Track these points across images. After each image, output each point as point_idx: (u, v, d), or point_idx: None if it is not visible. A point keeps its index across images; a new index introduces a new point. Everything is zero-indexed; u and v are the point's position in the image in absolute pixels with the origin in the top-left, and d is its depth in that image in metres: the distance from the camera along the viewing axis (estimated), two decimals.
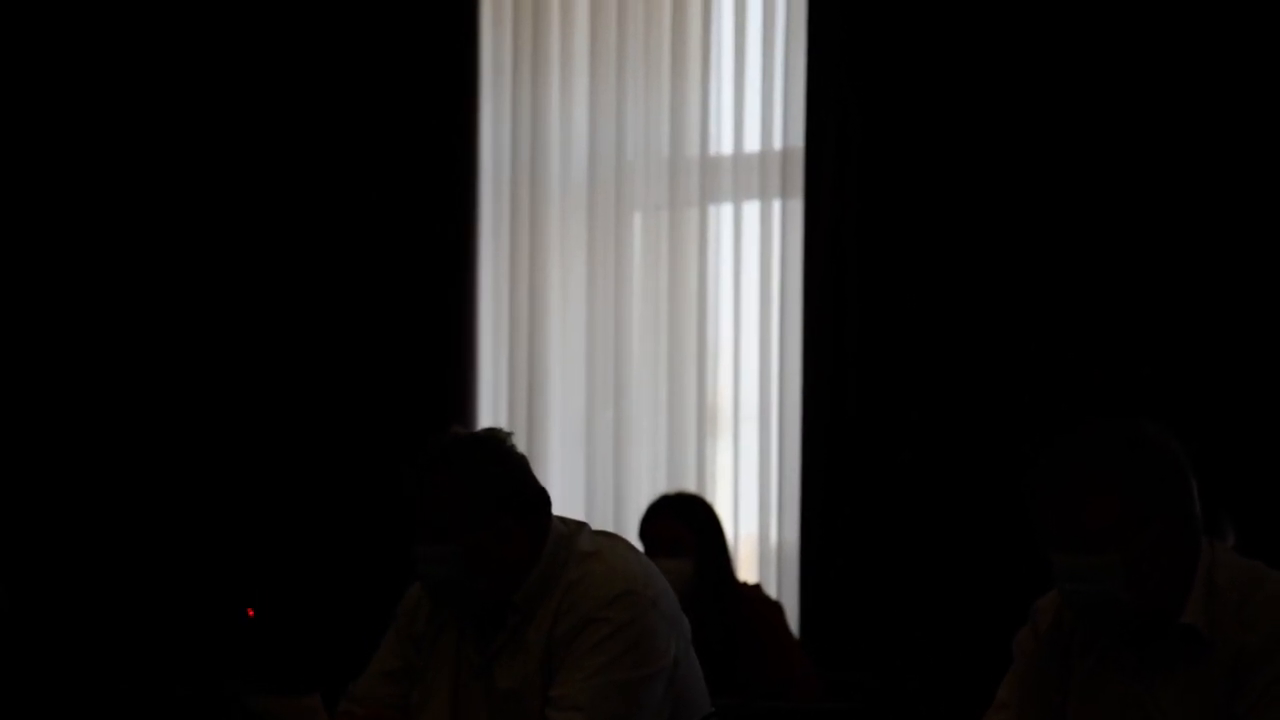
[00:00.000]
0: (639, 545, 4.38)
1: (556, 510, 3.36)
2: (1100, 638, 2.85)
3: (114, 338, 6.65)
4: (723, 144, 6.13)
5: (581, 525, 3.35)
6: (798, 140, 5.94)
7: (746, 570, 5.80)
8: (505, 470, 3.28)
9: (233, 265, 6.65)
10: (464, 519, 3.20)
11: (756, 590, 5.11)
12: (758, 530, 5.99)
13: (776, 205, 6.03)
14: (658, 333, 6.20)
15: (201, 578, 6.42)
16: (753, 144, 6.07)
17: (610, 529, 3.58)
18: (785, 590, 5.88)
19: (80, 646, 6.08)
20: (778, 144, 6.02)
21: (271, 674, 3.13)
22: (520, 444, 6.30)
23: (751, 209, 6.08)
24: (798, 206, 5.94)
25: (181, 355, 6.66)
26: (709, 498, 5.66)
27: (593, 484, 6.24)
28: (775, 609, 5.09)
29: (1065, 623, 2.89)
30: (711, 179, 6.14)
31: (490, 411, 6.43)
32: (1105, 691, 2.84)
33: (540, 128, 6.37)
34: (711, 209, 6.15)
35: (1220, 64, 5.40)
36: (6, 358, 6.64)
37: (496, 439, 3.30)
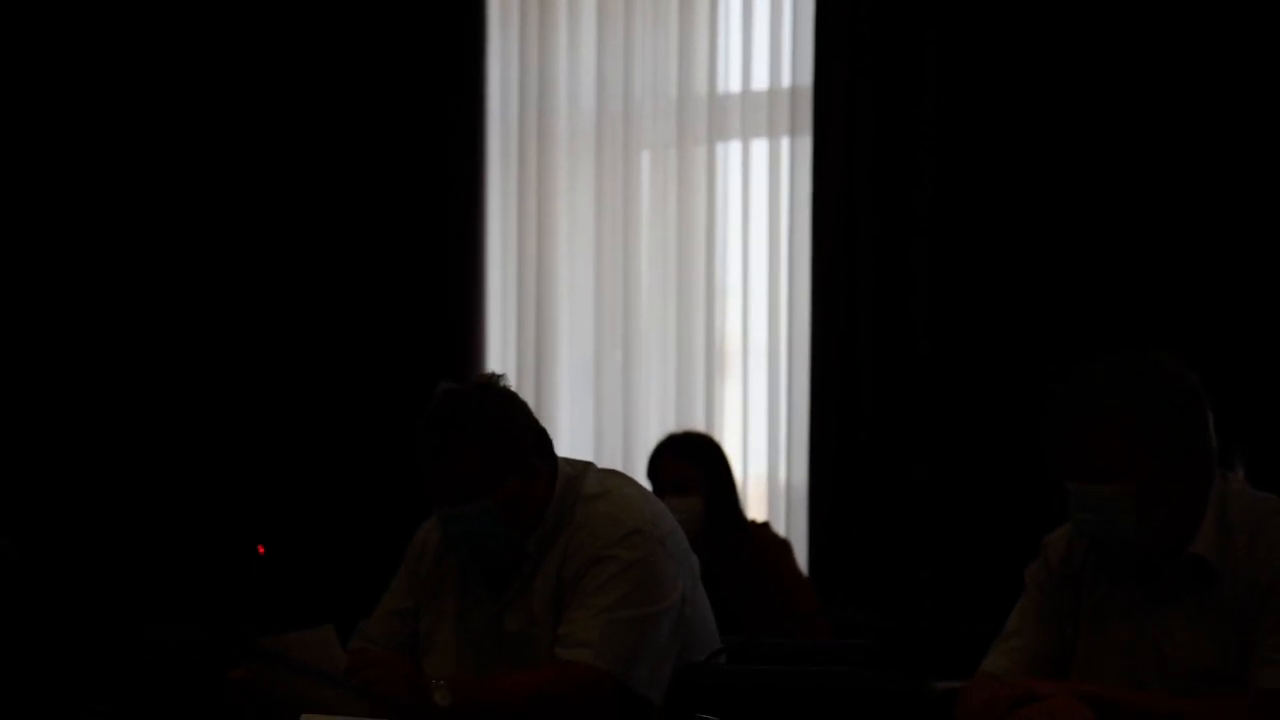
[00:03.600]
0: (647, 485, 4.39)
1: (564, 451, 3.36)
2: (1110, 568, 2.86)
3: (127, 292, 6.65)
4: (731, 82, 6.11)
5: (587, 465, 3.35)
6: (806, 78, 5.91)
7: (755, 509, 5.81)
8: (518, 411, 3.28)
9: (244, 200, 6.65)
10: (492, 471, 3.19)
11: (765, 528, 5.12)
12: (766, 469, 6.00)
13: (785, 143, 6.01)
14: (666, 271, 6.20)
15: (213, 517, 6.44)
16: (761, 81, 6.05)
17: (619, 469, 3.57)
18: (794, 528, 5.89)
19: (91, 591, 6.11)
20: (786, 81, 5.99)
21: (284, 609, 3.14)
22: (529, 384, 6.40)
23: (760, 147, 6.06)
24: (806, 144, 5.92)
25: (195, 302, 6.66)
26: (718, 437, 5.66)
27: (601, 424, 6.25)
28: (783, 547, 5.11)
29: (1076, 556, 2.90)
30: (720, 117, 6.11)
31: (499, 352, 6.43)
32: (1114, 622, 2.85)
33: (548, 66, 6.35)
34: (720, 147, 6.13)
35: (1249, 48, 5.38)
36: (26, 302, 6.64)
37: (497, 384, 3.30)
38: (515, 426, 3.25)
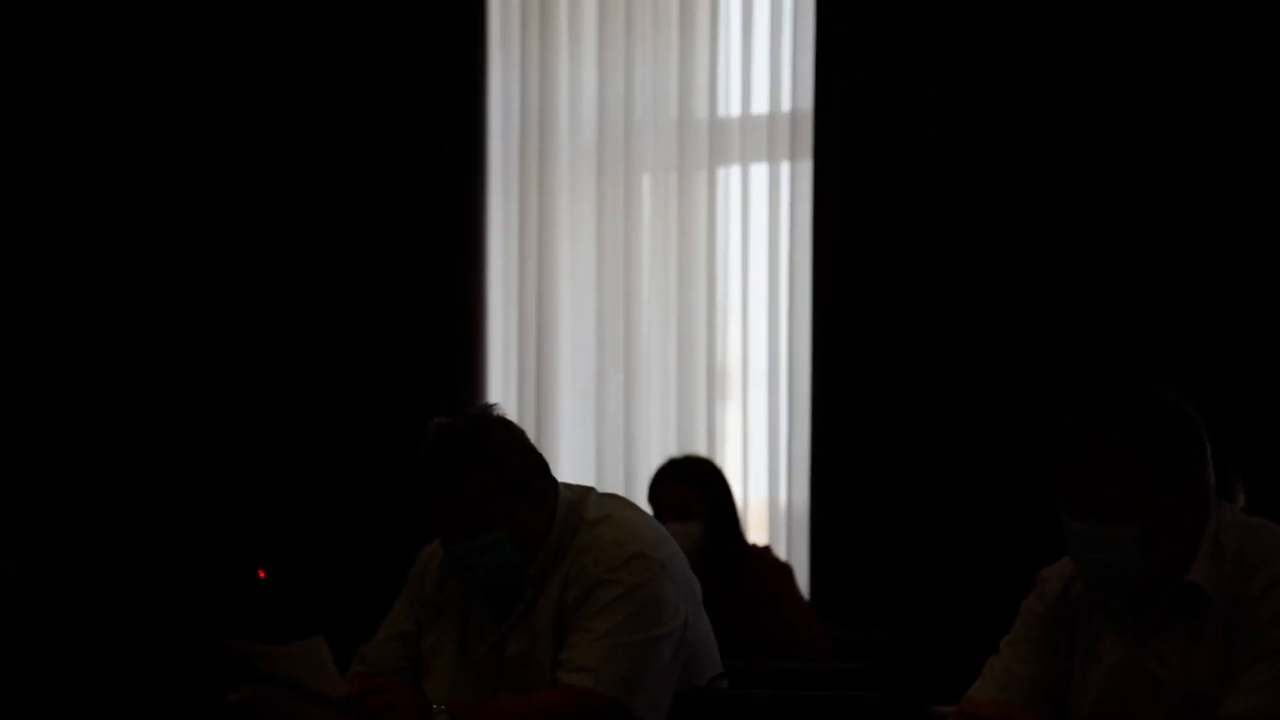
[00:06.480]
0: (648, 509, 4.39)
1: (565, 475, 3.37)
2: (1107, 602, 2.85)
3: (130, 312, 6.65)
4: (731, 106, 6.12)
5: (588, 490, 3.36)
6: (806, 102, 5.92)
7: (756, 532, 5.81)
8: (517, 438, 3.29)
9: (246, 224, 6.66)
10: (502, 502, 3.20)
11: (766, 552, 5.12)
12: (767, 492, 6.00)
13: (785, 167, 6.02)
14: (666, 295, 6.20)
15: (214, 538, 6.44)
16: (761, 106, 6.06)
17: (620, 493, 3.58)
18: (795, 551, 5.88)
19: (90, 609, 6.11)
20: (786, 106, 6.00)
21: (274, 624, 3.14)
22: (530, 408, 6.41)
23: (760, 171, 6.07)
24: (806, 168, 5.93)
25: (197, 322, 6.66)
26: (719, 460, 5.66)
27: (603, 447, 6.25)
28: (785, 570, 5.10)
29: (1073, 591, 2.89)
30: (720, 141, 6.12)
31: (500, 375, 6.43)
32: (1109, 651, 2.84)
33: (549, 89, 6.36)
34: (720, 171, 6.14)
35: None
36: (27, 316, 6.65)
37: (495, 414, 3.30)
38: (518, 454, 3.25)
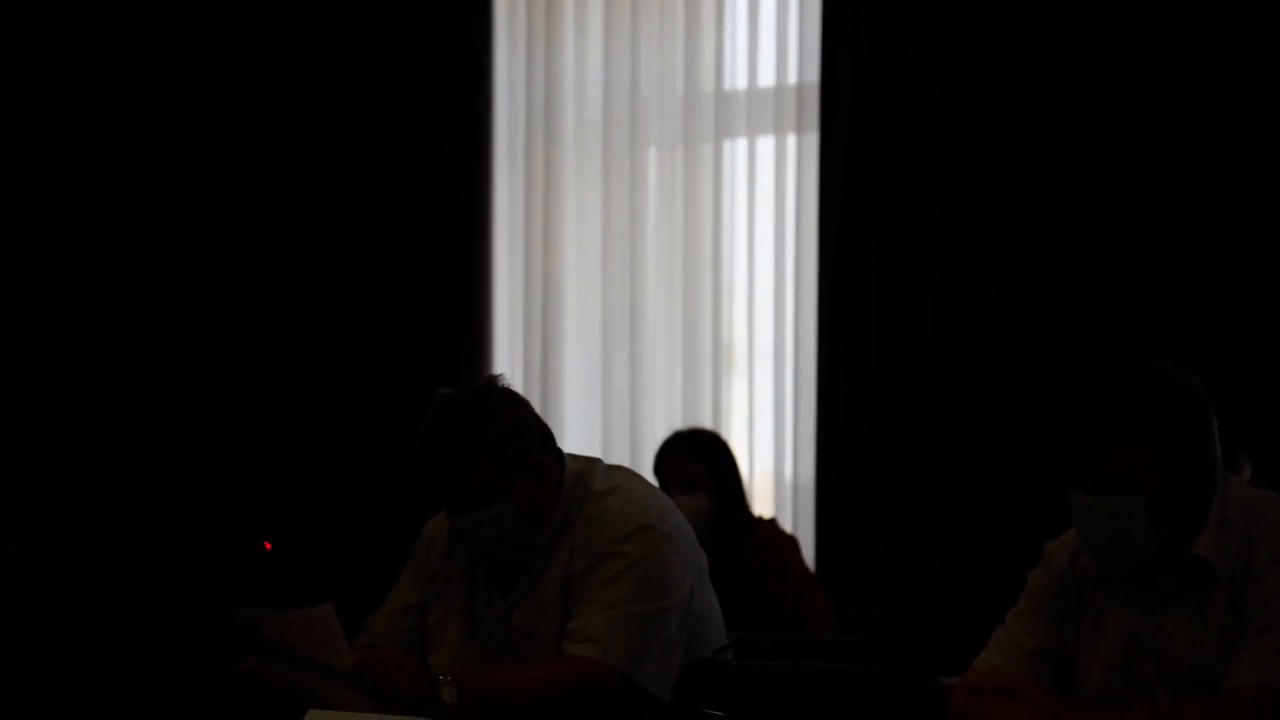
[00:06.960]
0: (654, 482, 4.39)
1: (571, 448, 3.37)
2: (1114, 575, 2.86)
3: (133, 289, 6.66)
4: (737, 79, 6.12)
5: (594, 461, 3.36)
6: (812, 75, 5.92)
7: (762, 505, 5.82)
8: (521, 410, 3.28)
9: (253, 195, 6.66)
10: (504, 476, 3.19)
11: (772, 525, 5.12)
12: (773, 465, 6.00)
13: (791, 140, 6.01)
14: (673, 269, 6.20)
15: (219, 514, 6.45)
16: (767, 79, 6.05)
17: (626, 466, 3.57)
18: (801, 524, 5.89)
19: (94, 587, 6.12)
20: (792, 79, 6.00)
21: (282, 594, 3.15)
22: (536, 382, 6.41)
23: (766, 144, 6.07)
24: (812, 141, 5.93)
25: (204, 300, 6.67)
26: (724, 434, 5.67)
27: (609, 421, 6.25)
28: (790, 543, 5.11)
29: (1079, 564, 2.90)
30: (726, 114, 6.12)
31: (506, 349, 6.44)
32: (1115, 625, 2.85)
33: (555, 63, 6.35)
34: (726, 144, 6.14)
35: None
36: (28, 301, 6.65)
37: (498, 386, 3.29)
38: (521, 427, 3.25)
